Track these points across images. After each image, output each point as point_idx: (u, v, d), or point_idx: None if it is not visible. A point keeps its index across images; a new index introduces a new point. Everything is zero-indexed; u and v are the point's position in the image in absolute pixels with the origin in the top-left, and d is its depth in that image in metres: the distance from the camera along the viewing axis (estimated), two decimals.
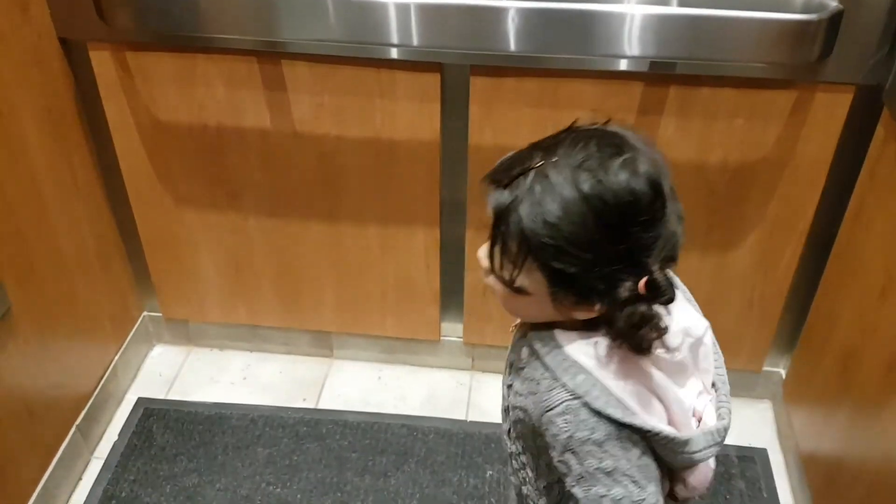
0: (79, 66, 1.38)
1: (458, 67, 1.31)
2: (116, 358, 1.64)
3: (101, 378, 1.59)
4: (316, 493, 1.47)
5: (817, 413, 1.43)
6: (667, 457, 0.77)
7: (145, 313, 1.75)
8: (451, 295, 1.62)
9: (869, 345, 1.22)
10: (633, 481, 0.74)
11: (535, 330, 0.79)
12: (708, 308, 1.52)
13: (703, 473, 0.82)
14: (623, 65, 1.25)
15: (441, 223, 1.50)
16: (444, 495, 1.47)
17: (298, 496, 1.47)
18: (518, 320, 0.87)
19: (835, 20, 1.13)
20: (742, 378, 1.64)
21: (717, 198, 1.37)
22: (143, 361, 1.76)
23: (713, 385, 0.82)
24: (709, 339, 0.82)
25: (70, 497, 1.47)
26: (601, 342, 0.74)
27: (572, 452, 0.74)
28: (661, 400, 0.76)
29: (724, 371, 0.84)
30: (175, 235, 1.57)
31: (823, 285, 1.43)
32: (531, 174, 0.69)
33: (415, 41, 1.21)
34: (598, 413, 0.73)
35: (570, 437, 0.73)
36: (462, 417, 1.64)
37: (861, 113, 1.25)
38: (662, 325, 0.70)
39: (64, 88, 1.39)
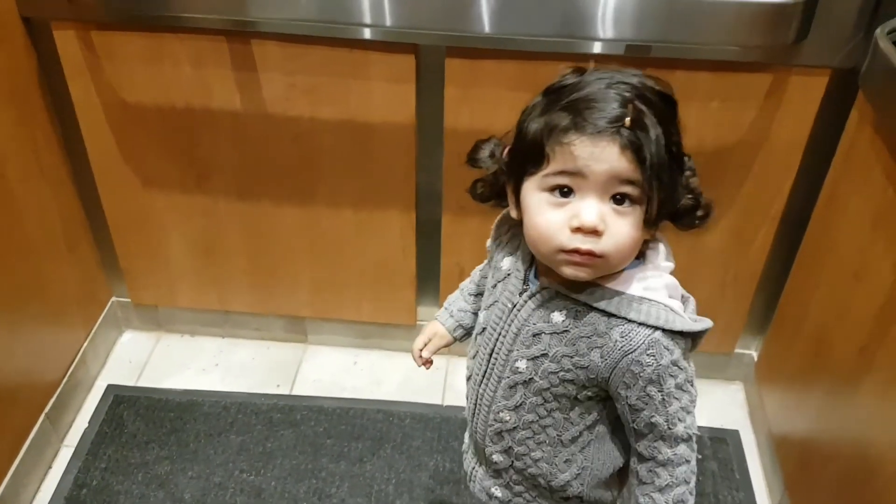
0: (42, 45, 1.34)
1: (434, 49, 1.29)
2: (85, 344, 1.61)
3: (70, 365, 1.56)
4: (290, 479, 1.46)
5: (790, 395, 1.44)
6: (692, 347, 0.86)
7: (114, 298, 1.72)
8: (428, 279, 1.61)
9: (841, 327, 1.23)
10: (692, 383, 0.84)
11: (559, 293, 0.82)
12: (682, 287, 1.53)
13: None
14: (599, 48, 1.23)
15: (417, 206, 1.48)
16: (420, 480, 1.47)
17: (273, 483, 1.45)
18: (492, 306, 0.89)
19: (810, 3, 1.13)
20: (714, 360, 1.65)
21: None
22: (113, 347, 1.73)
23: None
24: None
25: (40, 486, 1.45)
26: (641, 273, 0.81)
27: (653, 382, 0.80)
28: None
29: None
30: (143, 218, 1.54)
31: (796, 268, 1.43)
32: (629, 108, 0.73)
33: (387, 21, 1.20)
34: (674, 334, 0.80)
35: (656, 367, 0.79)
36: (438, 402, 1.63)
37: (836, 96, 1.26)
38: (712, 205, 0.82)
39: (27, 69, 1.35)
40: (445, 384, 1.67)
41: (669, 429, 0.83)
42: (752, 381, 1.63)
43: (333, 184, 1.46)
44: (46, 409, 1.47)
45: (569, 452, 0.90)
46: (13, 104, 1.32)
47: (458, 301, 1.05)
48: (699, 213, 0.82)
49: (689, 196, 0.81)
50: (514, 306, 0.86)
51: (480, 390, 0.92)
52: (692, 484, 0.86)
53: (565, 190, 0.75)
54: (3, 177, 1.31)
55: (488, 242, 0.95)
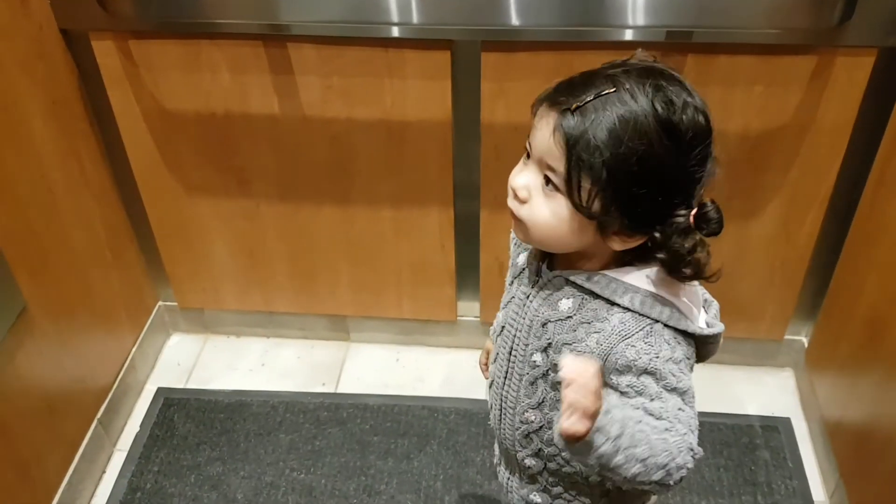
0: (82, 56, 1.36)
1: (469, 44, 1.28)
2: (134, 349, 1.63)
3: (120, 370, 1.58)
4: (340, 477, 1.47)
5: (842, 381, 1.41)
6: (705, 355, 0.82)
7: (160, 303, 1.74)
8: (467, 274, 1.61)
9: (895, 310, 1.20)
10: (693, 400, 0.76)
11: (570, 278, 0.80)
12: (729, 277, 1.50)
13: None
14: (639, 35, 1.21)
15: (455, 202, 1.48)
16: (467, 475, 1.47)
17: (323, 481, 1.47)
18: (510, 301, 0.88)
19: None
20: (763, 347, 1.63)
21: (738, 166, 1.34)
22: (161, 351, 1.76)
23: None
24: None
25: (95, 490, 1.48)
26: (651, 271, 0.77)
27: (649, 374, 0.75)
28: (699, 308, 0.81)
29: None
30: (187, 224, 1.56)
31: (846, 252, 1.40)
32: (602, 99, 0.69)
33: (421, 18, 1.20)
34: (678, 331, 0.76)
35: (653, 358, 0.75)
36: (482, 397, 1.63)
37: (883, 77, 1.22)
38: (708, 252, 0.73)
39: (68, 80, 1.37)
40: None
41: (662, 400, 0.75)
42: (802, 367, 1.60)
43: (371, 183, 1.46)
44: (98, 415, 1.50)
45: None
46: (55, 117, 1.33)
47: None
48: (684, 267, 0.74)
49: (681, 240, 0.73)
50: (528, 297, 0.86)
51: (504, 393, 0.91)
52: (662, 444, 0.72)
53: (528, 153, 0.76)
54: (49, 190, 1.33)
55: (511, 245, 0.94)
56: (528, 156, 0.76)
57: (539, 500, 0.96)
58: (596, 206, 0.72)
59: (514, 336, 0.88)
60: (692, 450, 0.73)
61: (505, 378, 0.90)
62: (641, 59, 0.74)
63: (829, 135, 1.29)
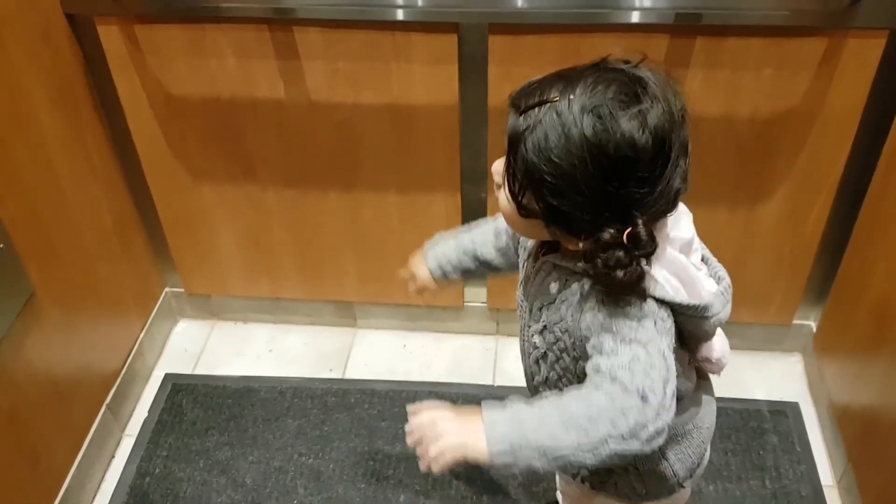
0: (87, 42, 1.35)
1: (476, 27, 1.27)
2: (142, 335, 1.64)
3: (128, 356, 1.59)
4: (349, 462, 1.48)
5: (851, 365, 1.41)
6: (695, 329, 0.82)
7: (167, 289, 1.74)
8: None
9: None
10: (659, 353, 0.75)
11: (558, 261, 0.83)
12: (737, 262, 1.51)
13: (721, 343, 0.90)
14: (647, 17, 1.20)
15: (462, 188, 1.47)
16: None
17: (331, 466, 1.47)
18: (521, 283, 0.92)
19: None
20: (771, 332, 1.63)
21: (746, 151, 1.33)
22: (168, 337, 1.76)
23: (703, 259, 0.87)
24: (693, 229, 0.85)
25: (104, 476, 1.49)
26: None
27: (606, 330, 0.76)
28: (683, 280, 0.80)
29: (702, 244, 0.88)
30: (193, 210, 1.56)
31: (855, 237, 1.40)
32: (546, 107, 0.71)
33: (421, 1, 1.20)
34: (650, 297, 0.76)
35: (609, 314, 0.76)
36: (489, 383, 1.63)
37: (894, 59, 1.21)
38: (638, 272, 0.73)
39: (74, 66, 1.36)
40: (496, 365, 1.67)
41: (611, 373, 0.74)
42: (810, 352, 1.60)
43: (377, 168, 1.45)
44: (107, 401, 1.50)
45: None
46: (61, 103, 1.33)
47: (447, 249, 1.08)
48: (602, 281, 0.75)
49: (613, 253, 0.72)
50: (529, 281, 0.89)
51: (524, 364, 0.95)
52: (596, 430, 0.73)
53: None
54: (56, 177, 1.33)
55: None
56: None
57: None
58: (528, 203, 0.75)
59: (521, 317, 0.92)
60: (635, 408, 0.72)
61: (522, 351, 0.94)
62: (625, 60, 0.75)
63: (839, 119, 1.28)
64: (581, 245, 0.74)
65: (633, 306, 0.76)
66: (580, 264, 0.77)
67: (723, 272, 0.87)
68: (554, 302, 0.83)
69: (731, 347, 1.65)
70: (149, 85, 1.37)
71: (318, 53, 1.31)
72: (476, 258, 1.05)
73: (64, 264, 1.37)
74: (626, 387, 0.73)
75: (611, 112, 0.69)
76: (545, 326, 0.85)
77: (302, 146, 1.43)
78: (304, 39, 1.29)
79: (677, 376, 0.78)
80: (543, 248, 0.88)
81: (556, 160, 0.70)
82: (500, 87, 1.31)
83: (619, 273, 0.72)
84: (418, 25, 1.26)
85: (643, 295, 0.76)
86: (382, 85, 1.33)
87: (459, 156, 1.42)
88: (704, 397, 0.95)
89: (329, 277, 1.65)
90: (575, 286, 0.80)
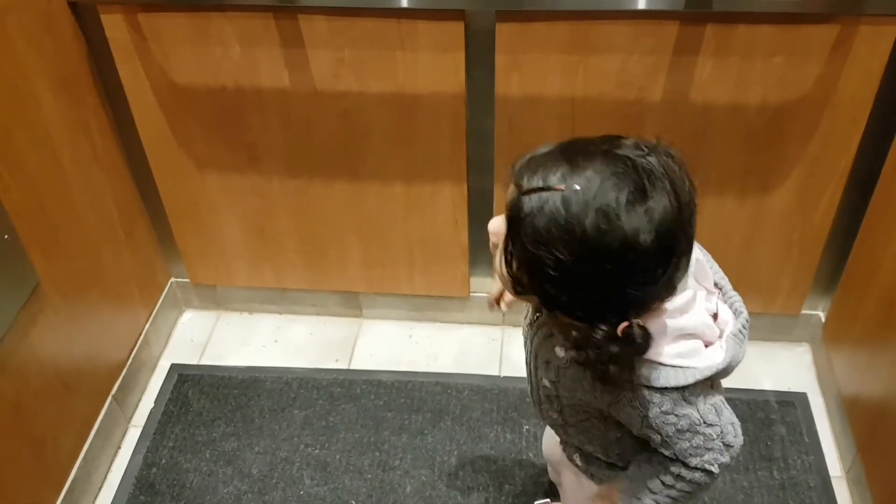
0: (91, 30, 1.34)
1: (483, 14, 1.25)
2: (147, 325, 1.63)
3: (134, 346, 1.58)
4: (355, 452, 1.47)
5: (860, 355, 1.40)
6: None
7: (173, 279, 1.74)
8: (480, 250, 1.60)
9: None
10: (708, 424, 0.78)
11: (556, 332, 0.83)
12: (746, 251, 1.50)
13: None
14: (656, 4, 1.19)
15: (468, 177, 1.46)
16: (481, 451, 1.47)
17: (337, 456, 1.47)
18: (529, 315, 0.91)
19: None
20: (780, 321, 1.62)
21: (756, 139, 1.32)
22: (174, 328, 1.76)
23: (716, 285, 0.84)
24: (698, 251, 0.82)
25: (110, 466, 1.49)
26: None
27: (650, 427, 0.79)
28: (697, 335, 0.78)
29: (718, 268, 0.86)
30: (198, 200, 1.55)
31: (865, 226, 1.38)
32: (550, 194, 0.67)
33: None
34: (659, 390, 0.77)
35: (644, 416, 0.78)
36: (495, 373, 1.63)
37: None
38: (630, 364, 0.74)
39: (77, 55, 1.35)
40: (502, 355, 1.66)
41: (677, 458, 0.81)
42: (819, 342, 1.59)
43: (383, 158, 1.44)
44: (113, 392, 1.50)
45: (619, 447, 0.91)
46: (65, 91, 1.32)
47: None
48: (592, 372, 0.77)
49: (595, 350, 0.72)
50: (530, 326, 0.89)
51: (530, 381, 0.95)
52: (706, 481, 0.82)
53: None
54: (60, 166, 1.32)
55: None
56: None
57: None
58: (524, 280, 0.72)
59: (526, 351, 0.92)
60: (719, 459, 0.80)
61: (528, 374, 0.95)
62: (650, 148, 0.70)
63: (850, 107, 1.27)
64: (574, 333, 0.73)
65: (670, 407, 0.78)
66: (571, 352, 0.78)
67: (740, 303, 0.83)
68: (564, 367, 0.83)
69: None
70: (153, 73, 1.36)
71: (323, 42, 1.29)
72: None
73: (69, 254, 1.36)
74: (690, 465, 0.81)
75: (616, 211, 0.65)
76: (557, 380, 0.86)
77: (307, 135, 1.42)
78: (309, 27, 1.28)
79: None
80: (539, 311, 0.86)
81: (556, 254, 0.67)
82: (508, 75, 1.30)
83: (612, 368, 0.73)
84: (424, 13, 1.24)
85: (633, 388, 0.77)
86: (388, 73, 1.32)
87: (466, 145, 1.41)
88: None
89: (334, 267, 1.65)
90: (623, 398, 0.80)
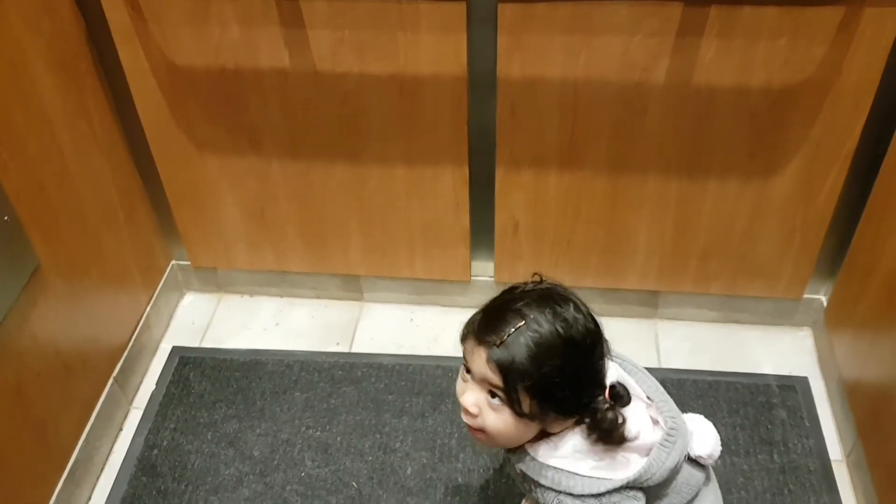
0: (90, 11, 1.33)
1: None
2: (148, 308, 1.63)
3: (135, 329, 1.58)
4: (356, 435, 1.48)
5: (862, 340, 1.40)
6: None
7: (174, 262, 1.74)
8: (482, 234, 1.59)
9: None
10: None
11: (515, 456, 0.99)
12: (748, 234, 1.50)
13: (704, 441, 0.98)
14: None
15: (470, 160, 1.45)
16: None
17: (339, 439, 1.47)
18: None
19: None
20: (781, 306, 1.61)
21: (759, 122, 1.31)
22: (175, 310, 1.76)
23: (648, 398, 1.00)
24: (624, 373, 1.00)
25: (112, 448, 1.49)
26: (566, 443, 0.94)
27: None
28: (629, 450, 0.94)
29: (647, 377, 1.02)
30: (198, 182, 1.54)
31: (868, 210, 1.38)
32: (520, 333, 0.87)
33: None
34: (579, 496, 0.92)
35: None
36: None
37: None
38: (624, 420, 0.92)
39: (76, 36, 1.34)
40: None
41: None
42: (821, 326, 1.59)
43: (383, 141, 1.44)
44: (114, 374, 1.50)
45: None
46: (64, 73, 1.31)
47: None
48: (615, 433, 0.91)
49: (608, 415, 0.90)
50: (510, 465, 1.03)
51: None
52: None
53: (469, 371, 0.93)
54: (59, 148, 1.32)
55: None
56: (469, 373, 0.92)
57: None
58: (534, 410, 0.89)
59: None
60: None
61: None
62: (536, 283, 0.94)
63: (855, 89, 1.26)
64: (587, 420, 0.92)
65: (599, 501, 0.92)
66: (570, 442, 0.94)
67: (669, 411, 0.97)
68: (525, 480, 0.99)
69: (742, 321, 1.66)
70: (152, 55, 1.35)
71: (323, 22, 1.28)
72: None
73: (69, 237, 1.36)
74: None
75: (563, 314, 0.89)
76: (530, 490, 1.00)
77: (307, 117, 1.41)
78: (310, 8, 1.27)
79: None
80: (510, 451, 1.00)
81: (549, 363, 0.86)
82: (510, 57, 1.29)
83: (616, 433, 0.91)
84: None
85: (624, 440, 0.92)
86: (389, 55, 1.31)
87: (467, 128, 1.40)
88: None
89: (335, 250, 1.64)
90: (531, 485, 0.97)
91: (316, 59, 1.33)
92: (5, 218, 1.17)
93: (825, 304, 1.58)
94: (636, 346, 1.63)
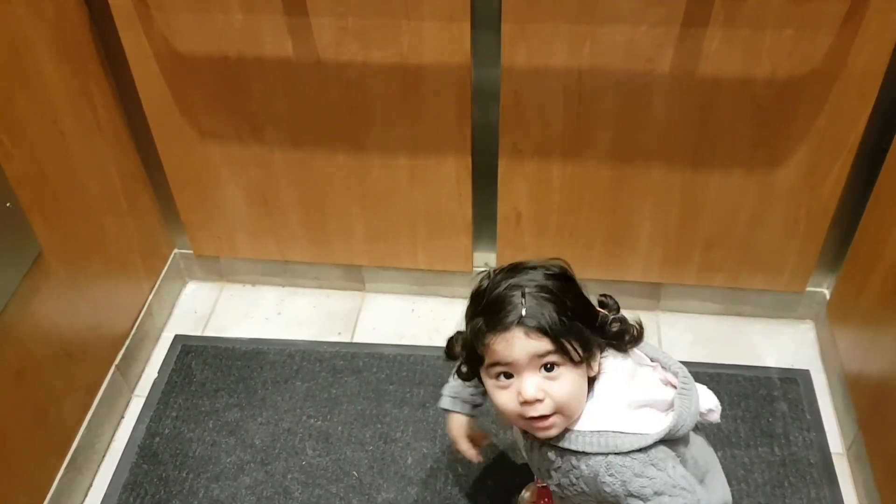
0: None
1: None
2: (151, 296, 1.63)
3: (137, 317, 1.59)
4: (357, 424, 1.48)
5: (864, 333, 1.39)
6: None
7: (176, 250, 1.74)
8: (484, 224, 1.59)
9: None
10: (682, 488, 0.93)
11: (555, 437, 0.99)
12: (752, 225, 1.49)
13: (709, 397, 1.02)
14: None
15: (473, 150, 1.45)
16: (482, 424, 1.46)
17: (339, 428, 1.47)
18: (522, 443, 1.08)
19: None
20: (784, 298, 1.61)
21: (764, 112, 1.30)
22: (178, 299, 1.76)
23: (652, 360, 1.05)
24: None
25: (113, 435, 1.49)
26: (590, 407, 0.96)
27: (631, 496, 0.93)
28: (649, 405, 0.97)
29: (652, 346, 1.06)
30: (201, 170, 1.54)
31: (872, 203, 1.37)
32: (529, 296, 0.92)
33: None
34: (625, 454, 0.93)
35: (622, 483, 0.93)
36: None
37: None
38: (624, 320, 1.00)
39: (79, 22, 1.34)
40: None
41: None
42: (823, 319, 1.58)
43: (386, 129, 1.43)
44: (116, 361, 1.50)
45: None
46: (67, 59, 1.31)
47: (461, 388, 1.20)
48: (627, 337, 0.99)
49: (616, 324, 0.99)
50: (529, 449, 1.05)
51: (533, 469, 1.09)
52: None
53: (506, 374, 0.93)
54: (62, 135, 1.31)
55: None
56: (507, 375, 0.93)
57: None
58: (584, 350, 0.93)
59: (533, 467, 1.09)
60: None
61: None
62: (495, 272, 0.98)
63: (860, 81, 1.25)
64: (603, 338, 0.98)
65: (642, 469, 0.93)
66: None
67: (675, 365, 1.01)
68: (557, 467, 1.00)
69: (744, 314, 1.66)
70: (155, 41, 1.35)
71: (326, 9, 1.28)
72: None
73: (71, 224, 1.36)
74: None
75: (533, 266, 0.97)
76: (559, 482, 1.01)
77: (310, 105, 1.41)
78: None
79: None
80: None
81: (561, 297, 0.93)
82: (514, 45, 1.28)
83: (628, 336, 0.99)
84: None
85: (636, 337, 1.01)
86: (392, 43, 1.31)
87: (471, 116, 1.40)
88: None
89: (337, 240, 1.64)
90: (572, 459, 0.96)
91: (319, 46, 1.33)
92: (7, 204, 1.17)
93: (828, 297, 1.58)
94: None
